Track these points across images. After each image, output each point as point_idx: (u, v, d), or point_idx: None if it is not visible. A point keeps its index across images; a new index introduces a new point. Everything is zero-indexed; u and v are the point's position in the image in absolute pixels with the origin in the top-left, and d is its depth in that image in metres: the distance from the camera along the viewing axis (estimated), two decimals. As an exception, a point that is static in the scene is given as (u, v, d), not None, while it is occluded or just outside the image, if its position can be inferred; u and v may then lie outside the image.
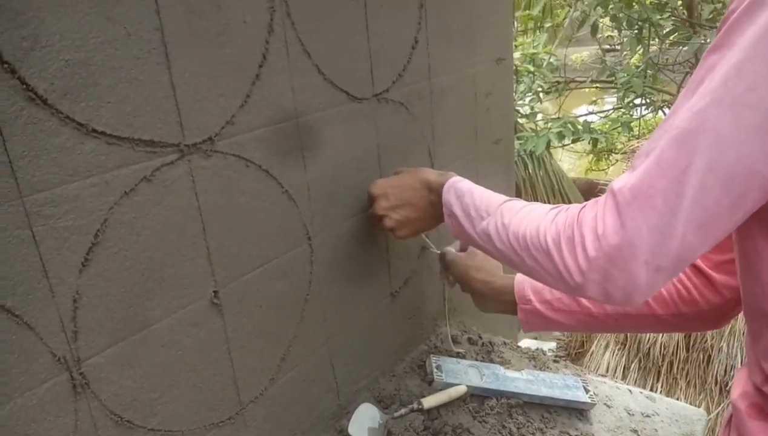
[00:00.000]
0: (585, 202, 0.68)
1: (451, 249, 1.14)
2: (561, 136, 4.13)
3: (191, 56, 0.72)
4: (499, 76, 1.40)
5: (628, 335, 2.62)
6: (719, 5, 4.12)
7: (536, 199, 4.38)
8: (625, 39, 4.82)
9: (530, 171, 5.21)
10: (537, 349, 1.37)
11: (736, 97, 0.54)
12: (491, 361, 1.25)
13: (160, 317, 0.74)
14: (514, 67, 2.08)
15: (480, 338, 1.32)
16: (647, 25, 4.38)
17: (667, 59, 5.25)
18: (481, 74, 1.32)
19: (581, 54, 9.54)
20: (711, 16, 4.16)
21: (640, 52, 4.88)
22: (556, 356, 1.33)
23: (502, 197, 0.84)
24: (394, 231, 0.98)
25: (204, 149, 0.76)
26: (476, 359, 1.24)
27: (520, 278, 1.02)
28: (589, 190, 5.14)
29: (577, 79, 5.75)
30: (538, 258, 0.71)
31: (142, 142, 0.68)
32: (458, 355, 1.25)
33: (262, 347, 0.90)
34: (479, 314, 1.50)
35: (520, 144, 4.33)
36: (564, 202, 4.39)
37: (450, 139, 1.26)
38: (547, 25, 5.69)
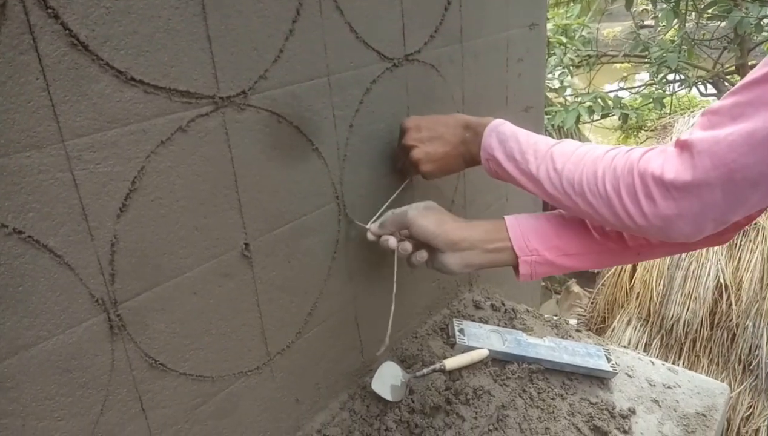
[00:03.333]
0: (645, 148, 0.69)
1: (389, 213, 0.96)
2: (591, 110, 4.05)
3: (227, 9, 0.72)
4: (531, 42, 1.38)
5: (652, 311, 2.60)
6: (763, -23, 3.95)
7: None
8: (660, 12, 4.67)
9: (557, 146, 5.12)
10: (560, 317, 1.37)
11: None
12: (513, 327, 1.25)
13: (192, 265, 0.76)
14: (546, 38, 2.04)
15: (503, 304, 1.33)
16: (685, -2, 4.24)
17: (704, 34, 5.08)
18: (514, 39, 1.30)
19: (614, 29, 9.30)
20: (754, -12, 3.99)
21: (676, 26, 4.72)
22: (577, 329, 1.33)
23: (550, 141, 0.83)
24: (419, 164, 0.95)
25: (238, 103, 0.76)
26: (499, 326, 1.25)
27: (509, 223, 0.88)
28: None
29: (610, 53, 5.61)
30: (595, 204, 0.73)
31: (179, 93, 0.69)
32: (480, 320, 1.26)
33: (290, 301, 0.92)
34: (503, 281, 1.51)
35: (548, 118, 4.26)
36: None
37: (480, 104, 1.25)
38: (581, -4, 5.54)
